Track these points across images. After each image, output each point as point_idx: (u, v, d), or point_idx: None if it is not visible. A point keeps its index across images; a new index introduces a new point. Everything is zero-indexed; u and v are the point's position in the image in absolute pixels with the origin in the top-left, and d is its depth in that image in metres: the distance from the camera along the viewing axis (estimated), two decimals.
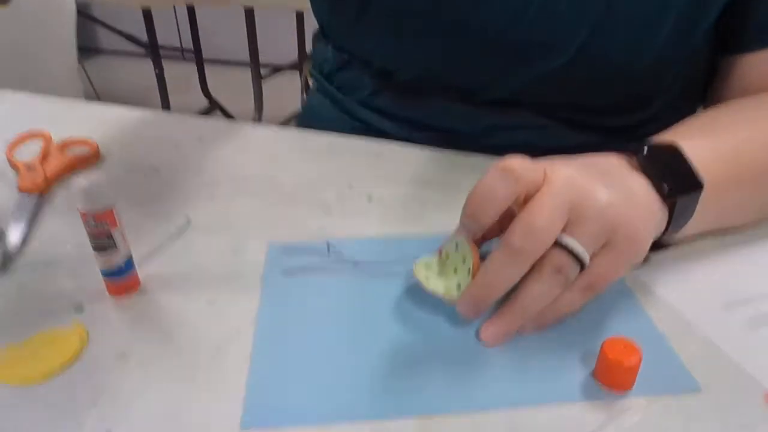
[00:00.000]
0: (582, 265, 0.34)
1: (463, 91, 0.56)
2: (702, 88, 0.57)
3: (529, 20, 0.50)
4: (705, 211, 0.40)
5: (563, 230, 0.34)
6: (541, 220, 0.33)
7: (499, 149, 0.55)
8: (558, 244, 0.34)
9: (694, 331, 0.37)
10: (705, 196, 0.39)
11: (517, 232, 0.34)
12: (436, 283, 0.38)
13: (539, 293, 0.35)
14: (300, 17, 1.92)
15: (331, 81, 0.65)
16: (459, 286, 0.37)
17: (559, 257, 0.34)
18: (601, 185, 0.35)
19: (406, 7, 0.52)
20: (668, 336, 0.37)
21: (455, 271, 0.38)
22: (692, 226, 0.41)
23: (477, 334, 0.36)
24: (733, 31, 0.51)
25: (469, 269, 0.37)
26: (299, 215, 0.48)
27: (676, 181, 0.38)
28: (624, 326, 0.38)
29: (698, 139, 0.42)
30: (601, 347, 0.33)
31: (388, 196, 0.50)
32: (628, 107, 0.55)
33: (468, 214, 0.35)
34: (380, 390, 0.33)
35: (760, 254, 0.44)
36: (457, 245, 0.38)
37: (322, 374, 0.34)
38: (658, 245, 0.41)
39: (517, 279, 0.35)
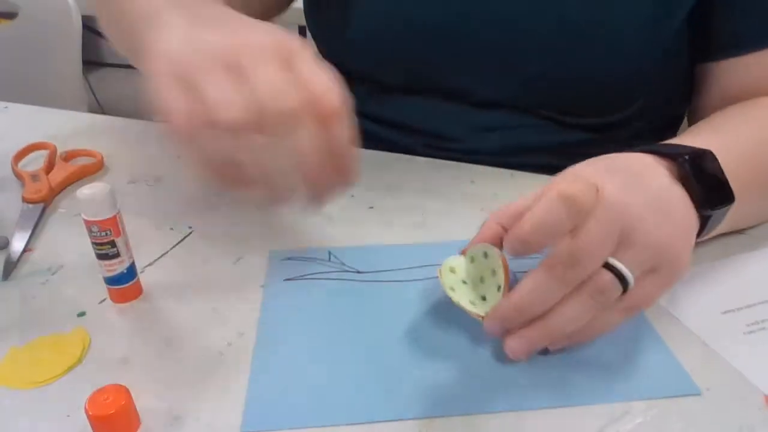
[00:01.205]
0: (625, 288, 0.33)
1: (447, 93, 0.58)
2: (689, 87, 0.58)
3: (496, 31, 0.53)
4: (728, 218, 0.39)
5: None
6: (591, 249, 0.32)
7: (486, 151, 0.56)
8: (606, 265, 0.32)
9: (693, 336, 0.37)
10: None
11: (564, 258, 0.32)
12: (461, 295, 0.37)
13: (576, 314, 0.33)
14: (302, 31, 1.94)
15: None
16: (484, 298, 0.36)
17: (606, 279, 0.32)
18: (649, 209, 0.33)
19: (383, 31, 0.55)
20: (668, 341, 0.37)
21: (482, 280, 0.37)
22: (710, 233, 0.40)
23: (501, 345, 0.34)
24: (707, 39, 0.52)
25: (499, 286, 0.35)
26: (301, 224, 0.49)
27: (712, 196, 0.37)
28: (624, 332, 0.38)
29: (720, 144, 0.41)
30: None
31: (389, 205, 0.51)
32: (608, 108, 0.56)
33: (521, 240, 0.32)
34: (381, 393, 0.34)
35: (759, 261, 0.44)
36: (486, 254, 0.37)
37: (323, 378, 0.35)
38: None
39: (554, 303, 0.33)
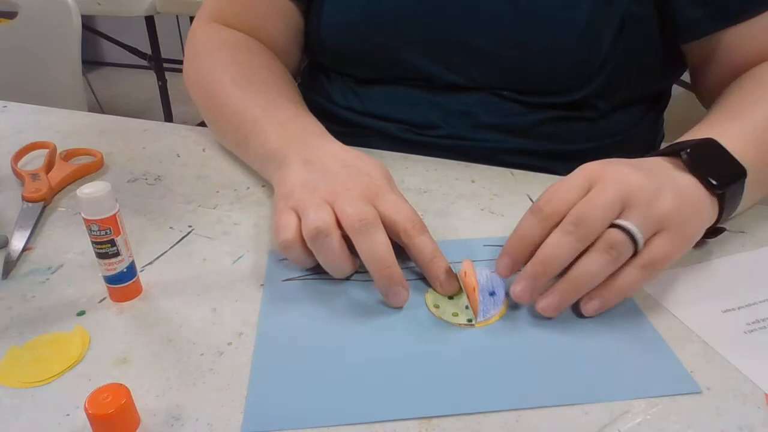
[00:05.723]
0: (636, 246, 0.37)
1: (413, 80, 0.60)
2: (667, 64, 0.59)
3: (450, 17, 0.55)
4: (751, 191, 0.43)
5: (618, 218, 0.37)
6: (591, 209, 0.37)
7: (463, 136, 0.59)
8: (613, 225, 0.37)
9: (694, 335, 0.37)
10: (748, 179, 0.41)
11: (571, 219, 0.37)
12: (443, 310, 0.39)
13: (592, 268, 0.37)
14: None
15: (307, 86, 0.69)
16: (467, 307, 0.39)
17: (613, 234, 0.36)
18: (652, 180, 0.38)
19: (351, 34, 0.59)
20: (668, 340, 0.37)
21: (462, 290, 0.40)
22: (743, 205, 0.44)
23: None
24: (707, 11, 0.53)
25: (474, 288, 0.39)
26: None
27: (721, 174, 0.41)
28: (625, 331, 0.38)
29: (728, 126, 0.46)
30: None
31: None
32: (567, 86, 0.57)
33: (509, 256, 0.39)
34: (381, 392, 0.34)
35: (759, 261, 0.44)
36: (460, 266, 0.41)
37: (323, 378, 0.35)
38: (716, 231, 0.43)
39: (571, 257, 0.37)
